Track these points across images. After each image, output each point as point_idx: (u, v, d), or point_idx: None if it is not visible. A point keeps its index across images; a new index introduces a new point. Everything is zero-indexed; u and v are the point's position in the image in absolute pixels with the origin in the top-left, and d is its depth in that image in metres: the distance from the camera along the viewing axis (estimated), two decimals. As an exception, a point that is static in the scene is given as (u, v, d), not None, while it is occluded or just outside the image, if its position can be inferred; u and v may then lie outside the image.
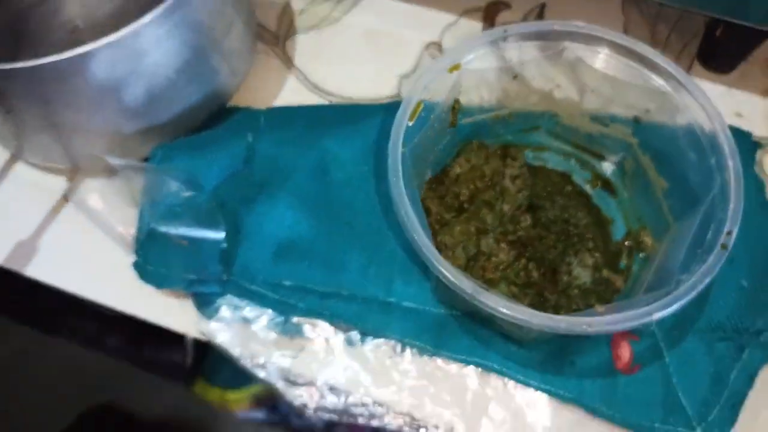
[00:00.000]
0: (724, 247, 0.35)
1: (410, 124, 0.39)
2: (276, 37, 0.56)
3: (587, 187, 0.46)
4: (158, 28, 0.40)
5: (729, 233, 0.35)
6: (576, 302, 0.40)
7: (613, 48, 0.41)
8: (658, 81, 0.40)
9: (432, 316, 0.42)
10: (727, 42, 0.51)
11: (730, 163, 0.37)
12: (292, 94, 0.53)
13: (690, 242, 0.36)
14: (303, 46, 0.56)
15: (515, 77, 0.43)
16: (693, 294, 0.33)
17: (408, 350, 0.42)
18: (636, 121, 0.43)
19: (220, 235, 0.42)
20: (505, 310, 0.34)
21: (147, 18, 0.39)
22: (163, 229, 0.42)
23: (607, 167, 0.46)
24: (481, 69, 0.41)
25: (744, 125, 0.51)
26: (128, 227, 0.46)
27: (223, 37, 0.46)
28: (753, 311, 0.42)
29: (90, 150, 0.46)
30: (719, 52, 0.52)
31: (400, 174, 0.37)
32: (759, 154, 0.49)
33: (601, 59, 0.41)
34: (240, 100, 0.52)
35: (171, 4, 0.40)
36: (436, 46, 0.55)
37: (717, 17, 0.48)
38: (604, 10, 0.57)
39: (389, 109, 0.49)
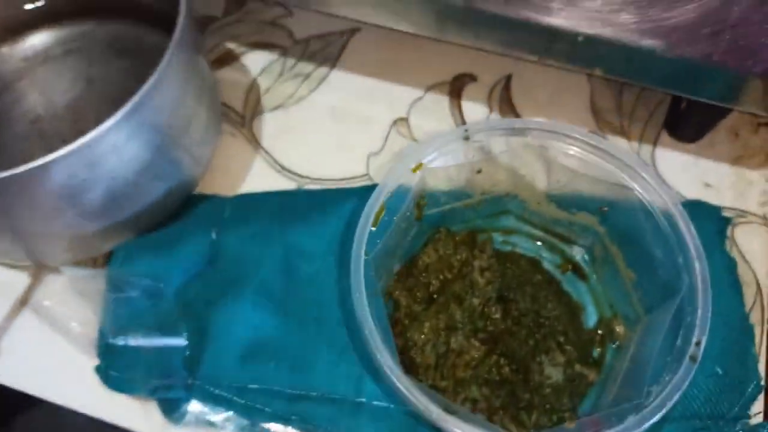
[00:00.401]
0: (692, 359, 0.34)
1: (373, 229, 0.39)
2: (242, 117, 0.56)
3: (557, 272, 0.46)
4: (117, 133, 0.40)
5: (698, 344, 0.35)
6: (549, 401, 0.40)
7: (574, 142, 0.41)
8: (621, 175, 0.40)
9: (404, 415, 0.41)
10: (692, 115, 0.51)
11: (697, 266, 0.37)
12: (259, 176, 0.53)
13: (660, 346, 0.36)
14: (270, 126, 0.55)
15: (479, 172, 0.42)
16: (662, 412, 0.33)
17: (381, 454, 0.41)
18: (601, 212, 0.42)
19: (182, 342, 0.41)
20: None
21: (105, 126, 0.39)
22: (124, 335, 0.41)
23: (577, 252, 0.46)
24: (444, 166, 0.41)
25: (712, 195, 0.51)
26: (89, 329, 0.44)
27: (184, 131, 0.46)
28: (729, 397, 0.41)
29: (51, 251, 0.46)
30: (685, 124, 0.53)
31: (363, 289, 0.37)
32: (729, 230, 0.49)
33: (563, 153, 0.41)
34: (207, 185, 0.51)
35: (129, 110, 0.39)
36: (404, 123, 0.55)
37: (678, 95, 0.48)
38: (570, 80, 0.57)
39: (356, 194, 0.49)
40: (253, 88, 0.57)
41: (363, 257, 0.38)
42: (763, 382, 0.43)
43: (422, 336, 0.41)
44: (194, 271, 0.44)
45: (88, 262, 0.48)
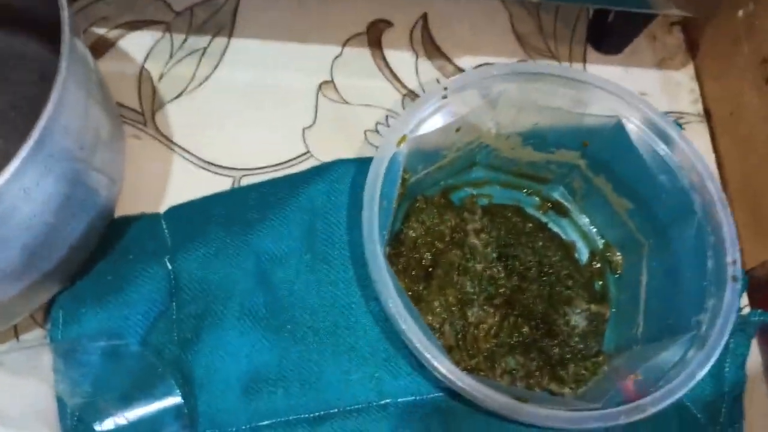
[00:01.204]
0: (734, 279, 0.34)
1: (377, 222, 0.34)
2: (141, 114, 0.47)
3: (538, 214, 0.44)
4: (24, 177, 0.31)
5: (734, 262, 0.34)
6: (578, 348, 0.38)
7: (550, 81, 0.38)
8: (602, 105, 0.38)
9: (434, 402, 0.38)
10: (617, 26, 0.50)
11: (710, 185, 0.36)
12: (183, 179, 0.45)
13: (690, 274, 0.35)
14: (177, 118, 0.47)
15: (458, 130, 0.38)
16: (725, 338, 0.33)
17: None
18: (583, 146, 0.41)
19: (175, 399, 0.34)
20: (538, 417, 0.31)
21: (6, 174, 0.30)
22: (99, 413, 0.34)
23: (553, 189, 0.44)
24: (427, 132, 0.37)
25: (650, 102, 0.52)
26: (47, 417, 0.36)
27: (94, 150, 0.37)
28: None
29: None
30: (610, 37, 0.52)
31: (394, 293, 0.32)
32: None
33: (539, 93, 0.38)
34: (127, 205, 0.43)
35: (33, 147, 0.30)
36: (330, 86, 0.49)
37: (603, 7, 0.47)
38: (487, 9, 0.54)
39: (309, 178, 0.43)
40: (143, 76, 0.48)
41: (381, 255, 0.33)
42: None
43: (436, 317, 0.38)
44: (156, 313, 0.37)
45: (11, 335, 0.39)
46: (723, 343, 0.33)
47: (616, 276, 0.42)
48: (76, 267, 0.39)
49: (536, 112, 0.39)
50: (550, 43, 0.53)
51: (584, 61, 0.53)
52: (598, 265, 0.43)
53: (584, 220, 0.44)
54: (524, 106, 0.38)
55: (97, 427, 0.33)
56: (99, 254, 0.40)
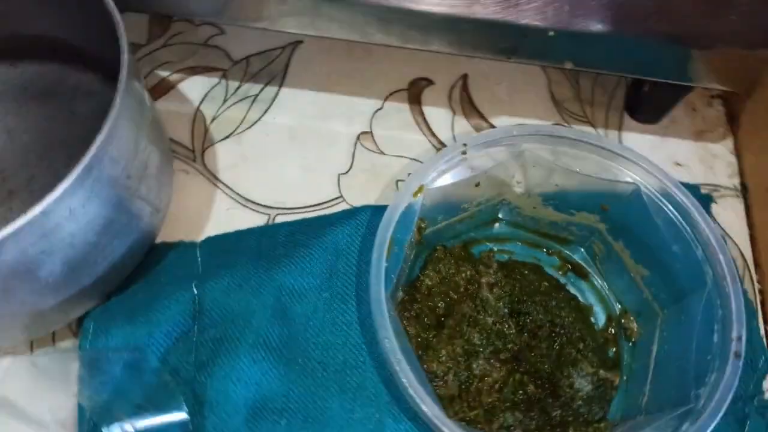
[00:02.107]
0: (737, 355, 0.34)
1: (386, 265, 0.36)
2: (192, 151, 0.51)
3: (558, 275, 0.44)
4: (72, 197, 0.34)
5: (739, 339, 0.34)
6: (581, 412, 0.38)
7: (571, 144, 0.39)
8: (620, 169, 0.39)
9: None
10: (654, 96, 0.51)
11: (722, 258, 0.36)
12: (224, 213, 0.48)
13: (695, 346, 0.35)
14: (224, 157, 0.51)
15: (477, 185, 0.40)
16: (719, 415, 0.32)
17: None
18: (602, 210, 0.41)
19: (183, 415, 0.36)
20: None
21: (59, 190, 0.33)
22: (112, 420, 0.36)
23: (575, 251, 0.45)
24: (444, 185, 0.39)
25: (685, 173, 0.52)
26: (67, 418, 0.39)
27: (141, 179, 0.41)
28: (744, 377, 0.41)
29: (4, 333, 0.40)
30: (647, 106, 0.53)
31: (392, 335, 0.34)
32: (714, 208, 0.49)
33: (558, 153, 0.40)
34: (168, 232, 0.46)
35: (84, 168, 0.34)
36: (368, 136, 0.52)
37: (639, 77, 0.48)
38: (526, 72, 0.56)
39: (337, 220, 0.45)
40: (197, 117, 0.52)
41: (384, 297, 0.35)
42: None
43: (441, 365, 0.39)
44: (177, 333, 0.40)
45: (49, 340, 0.42)
46: (718, 418, 0.32)
47: (631, 344, 0.42)
48: (114, 285, 0.42)
49: (556, 175, 0.40)
50: (586, 108, 0.54)
51: (620, 128, 0.54)
52: (613, 332, 0.42)
53: (603, 284, 0.44)
54: (544, 167, 0.40)
55: (109, 424, 0.35)
56: (137, 275, 0.43)
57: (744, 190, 0.52)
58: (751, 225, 0.50)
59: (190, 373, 0.39)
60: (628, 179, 0.39)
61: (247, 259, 0.42)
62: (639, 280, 0.41)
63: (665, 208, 0.38)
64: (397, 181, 0.50)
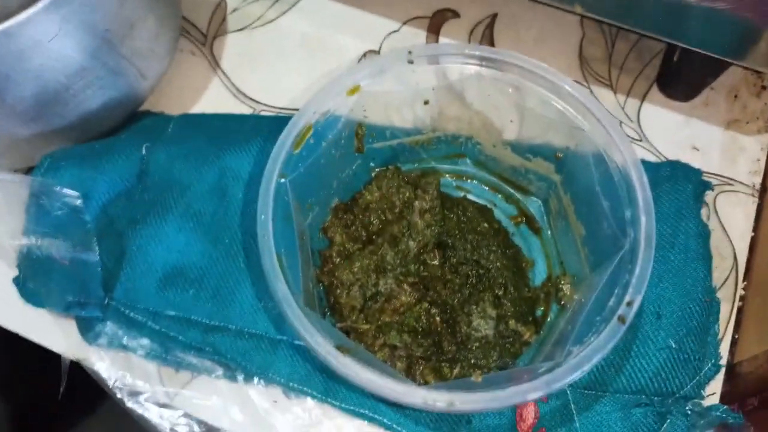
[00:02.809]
0: (621, 320, 0.31)
1: (295, 152, 0.35)
2: (204, 35, 0.52)
3: (510, 224, 0.42)
4: (38, 26, 0.37)
5: (629, 304, 0.31)
6: (475, 355, 0.36)
7: (529, 78, 0.37)
8: (575, 115, 0.36)
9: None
10: (685, 69, 0.46)
11: (643, 220, 0.33)
12: (214, 99, 0.49)
13: (591, 306, 0.32)
14: (232, 48, 0.52)
15: (426, 103, 0.38)
16: (575, 374, 0.30)
17: (294, 396, 0.38)
18: (557, 158, 0.38)
19: (95, 258, 0.39)
20: (359, 378, 0.30)
21: (24, 14, 0.36)
22: (42, 246, 0.39)
23: (532, 203, 0.42)
24: (384, 91, 0.37)
25: (698, 159, 0.47)
26: (13, 239, 0.42)
27: (125, 38, 0.42)
28: (680, 374, 0.38)
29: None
30: (678, 80, 0.48)
31: (270, 212, 0.34)
32: (711, 197, 0.44)
33: (517, 88, 0.37)
34: (156, 102, 0.48)
35: (48, 4, 0.36)
36: (374, 55, 0.51)
37: (676, 44, 0.44)
38: (561, 22, 0.52)
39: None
40: (220, 6, 0.54)
41: (276, 178, 0.35)
42: (723, 362, 0.40)
43: (350, 276, 0.38)
44: (122, 187, 0.42)
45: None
46: (575, 375, 0.30)
47: (559, 306, 0.39)
48: (86, 135, 0.45)
49: (508, 109, 0.37)
50: (613, 72, 0.50)
51: (643, 99, 0.49)
52: (546, 291, 0.40)
53: (552, 242, 0.41)
54: (496, 98, 0.37)
55: (38, 253, 0.38)
56: (113, 134, 0.46)
57: (762, 191, 0.46)
58: (757, 228, 0.45)
59: (121, 226, 0.41)
60: (579, 125, 0.36)
61: (204, 135, 0.43)
62: (578, 239, 0.38)
63: (606, 160, 0.35)
64: (389, 104, 0.49)
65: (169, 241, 0.40)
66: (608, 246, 0.34)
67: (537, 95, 0.36)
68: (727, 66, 0.45)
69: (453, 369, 0.36)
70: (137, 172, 0.42)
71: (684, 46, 0.42)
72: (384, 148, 0.41)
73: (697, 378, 0.38)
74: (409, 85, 0.37)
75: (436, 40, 0.52)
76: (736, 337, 0.42)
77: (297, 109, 0.48)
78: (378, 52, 0.51)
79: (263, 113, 0.49)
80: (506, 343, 0.37)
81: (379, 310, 0.38)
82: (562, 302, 0.39)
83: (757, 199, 0.46)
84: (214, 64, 0.51)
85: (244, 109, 0.49)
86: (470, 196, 0.43)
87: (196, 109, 0.49)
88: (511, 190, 0.42)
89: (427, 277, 0.39)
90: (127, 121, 0.46)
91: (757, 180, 0.46)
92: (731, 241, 0.44)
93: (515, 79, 0.36)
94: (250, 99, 0.50)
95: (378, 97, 0.37)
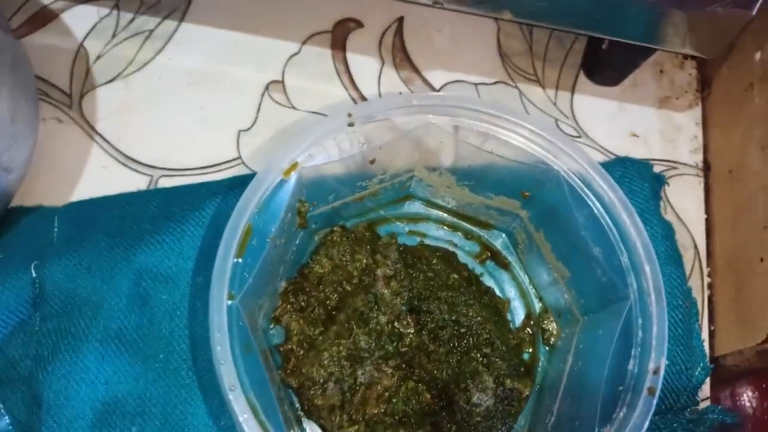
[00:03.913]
0: (651, 392, 0.28)
1: (239, 261, 0.29)
2: (68, 95, 0.43)
3: (475, 263, 0.38)
4: None
5: (656, 372, 0.28)
6: (480, 428, 0.33)
7: (484, 117, 0.32)
8: (544, 153, 0.32)
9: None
10: (614, 57, 0.44)
11: (648, 269, 0.30)
12: (97, 173, 0.41)
13: (608, 372, 0.29)
14: (106, 104, 0.43)
15: (372, 162, 0.33)
16: None
17: None
18: (524, 197, 0.35)
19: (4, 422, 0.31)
20: None
21: None
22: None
23: (496, 237, 0.38)
24: (326, 163, 0.32)
25: (640, 147, 0.45)
26: None
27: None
28: (675, 388, 0.37)
29: None
30: (606, 66, 0.45)
31: (229, 354, 0.28)
32: (669, 189, 0.43)
33: (471, 130, 0.32)
34: (28, 193, 0.40)
35: None
36: (279, 86, 0.45)
37: (597, 35, 0.41)
38: (473, 21, 0.48)
39: (222, 189, 0.39)
40: (79, 54, 0.45)
41: (226, 303, 0.29)
42: (707, 360, 0.39)
43: (321, 371, 0.33)
44: (14, 321, 0.34)
45: None
46: None
47: (548, 348, 0.36)
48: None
49: (464, 152, 0.33)
50: (537, 65, 0.47)
51: (573, 90, 0.46)
52: (531, 332, 0.37)
53: (524, 277, 0.38)
54: (448, 143, 0.33)
55: None
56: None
57: (706, 170, 0.45)
58: (708, 209, 0.44)
59: (26, 370, 0.33)
60: (550, 164, 0.32)
61: (103, 234, 0.36)
62: (560, 279, 0.35)
63: (588, 202, 0.31)
64: (307, 141, 0.43)
65: (92, 374, 0.33)
66: (606, 293, 0.32)
67: (498, 137, 0.32)
68: (652, 52, 0.43)
69: (461, 453, 0.32)
70: (29, 299, 0.34)
71: (608, 37, 0.39)
72: (325, 212, 0.36)
73: (690, 387, 0.37)
74: (353, 149, 0.32)
75: (344, 57, 0.46)
76: (713, 328, 0.41)
77: (201, 168, 0.42)
78: (281, 83, 0.45)
79: (163, 180, 0.41)
80: (507, 405, 0.34)
81: (361, 402, 0.33)
82: (551, 341, 0.36)
83: (702, 179, 0.45)
84: (88, 128, 0.43)
85: (138, 180, 0.41)
86: (427, 240, 0.38)
87: (80, 190, 0.40)
88: (470, 226, 0.39)
89: (407, 352, 0.34)
90: (2, 223, 0.38)
91: (699, 158, 0.45)
92: (688, 230, 0.43)
93: (469, 122, 0.32)
94: (142, 164, 0.42)
95: (319, 168, 0.32)
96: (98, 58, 0.45)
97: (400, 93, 0.45)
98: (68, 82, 0.44)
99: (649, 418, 0.28)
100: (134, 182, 0.41)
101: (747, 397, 0.38)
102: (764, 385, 0.36)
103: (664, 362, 0.29)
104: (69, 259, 0.35)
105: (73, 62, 0.44)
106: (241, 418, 0.27)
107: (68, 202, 0.39)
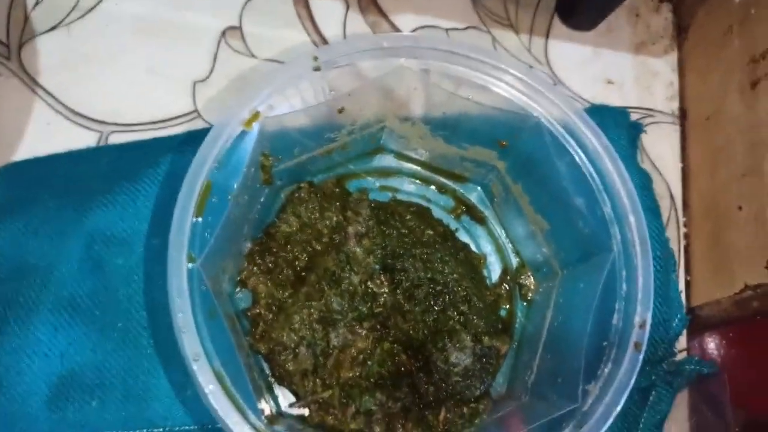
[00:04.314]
0: (637, 347, 0.27)
1: (198, 220, 0.27)
2: (5, 45, 0.40)
3: (450, 218, 0.37)
4: None
5: (643, 325, 0.27)
6: (457, 389, 0.32)
7: (458, 59, 0.30)
8: (524, 100, 0.30)
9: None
10: (589, -2, 0.42)
11: (632, 220, 0.29)
12: (43, 127, 0.38)
13: (591, 326, 0.28)
14: (48, 54, 0.40)
15: (341, 111, 0.31)
16: (608, 422, 0.26)
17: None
18: (500, 146, 0.33)
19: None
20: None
21: None
22: None
23: (471, 190, 0.37)
24: (290, 112, 0.29)
25: (615, 94, 0.44)
26: None
27: None
28: (653, 340, 0.36)
29: None
30: (580, 9, 0.43)
31: (191, 318, 0.26)
32: (645, 137, 0.42)
33: (444, 74, 0.30)
34: (-35, 152, 0.37)
35: None
36: (236, 32, 0.42)
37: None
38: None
39: (176, 145, 0.36)
40: (15, 0, 0.41)
41: (186, 266, 0.26)
42: (684, 311, 0.38)
43: (292, 335, 0.31)
44: (-44, 291, 0.31)
45: None
46: (607, 425, 0.26)
47: (526, 303, 0.35)
48: None
49: (438, 98, 0.31)
50: (510, 8, 0.45)
51: (547, 36, 0.44)
52: (507, 288, 0.36)
53: (501, 231, 0.37)
54: (421, 89, 0.31)
55: None
56: None
57: (682, 117, 0.44)
58: (684, 158, 0.43)
59: (-26, 343, 0.31)
60: (529, 111, 0.30)
61: (50, 196, 0.33)
62: (538, 232, 0.33)
63: (570, 150, 0.30)
64: (269, 92, 0.40)
65: (45, 346, 0.31)
66: (587, 245, 0.30)
67: (474, 82, 0.30)
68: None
69: (438, 415, 0.31)
70: (-27, 266, 0.31)
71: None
72: (290, 167, 0.33)
73: (668, 338, 0.37)
74: (318, 96, 0.29)
75: (306, 1, 0.43)
76: (689, 279, 0.41)
77: (155, 123, 0.39)
78: (239, 29, 0.42)
79: (114, 136, 0.38)
80: (485, 364, 0.33)
81: (335, 366, 0.32)
82: (529, 297, 0.35)
83: (678, 127, 0.44)
84: (30, 81, 0.39)
85: (86, 137, 0.38)
86: (400, 196, 0.37)
87: (24, 149, 0.37)
88: (444, 180, 0.37)
89: (382, 312, 0.33)
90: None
91: (675, 105, 0.44)
92: (664, 178, 0.42)
93: (443, 66, 0.30)
94: (91, 119, 0.39)
95: (283, 119, 0.29)
96: (37, 3, 0.41)
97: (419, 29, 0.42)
98: (5, 31, 0.40)
99: (636, 373, 0.27)
100: (82, 139, 0.38)
101: (715, 346, 0.37)
102: (743, 335, 0.35)
103: (650, 316, 0.28)
104: (13, 223, 0.32)
105: (9, 9, 0.40)
106: (207, 390, 0.26)
107: (10, 161, 0.36)
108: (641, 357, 0.28)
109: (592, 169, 0.30)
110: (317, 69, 0.29)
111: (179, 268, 0.26)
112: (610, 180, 0.29)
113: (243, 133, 0.28)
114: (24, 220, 0.32)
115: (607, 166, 0.29)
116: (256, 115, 0.28)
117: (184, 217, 0.27)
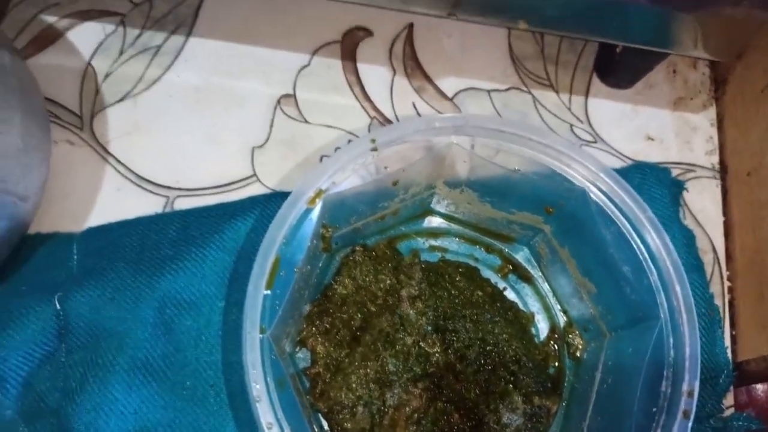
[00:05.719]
0: (686, 415, 0.28)
1: (268, 293, 0.29)
2: (78, 116, 0.43)
3: (497, 277, 0.38)
4: None
5: (691, 394, 0.28)
6: (510, 449, 0.33)
7: (506, 138, 0.32)
8: (569, 172, 0.32)
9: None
10: (627, 60, 0.43)
11: (678, 289, 0.30)
12: (113, 193, 0.41)
13: (640, 393, 0.29)
14: (117, 124, 0.43)
15: (395, 184, 0.33)
16: None
17: None
18: (548, 212, 0.35)
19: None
20: None
21: None
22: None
23: (517, 250, 0.38)
24: (348, 189, 0.31)
25: (656, 150, 0.45)
26: None
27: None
28: (701, 397, 0.36)
29: None
30: (619, 69, 0.45)
31: (264, 388, 0.28)
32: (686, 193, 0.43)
33: (492, 151, 0.32)
34: (46, 219, 0.39)
35: None
36: (290, 100, 0.44)
37: (610, 42, 0.40)
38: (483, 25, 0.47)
39: (242, 210, 0.39)
40: (87, 74, 0.44)
41: (258, 338, 0.28)
42: (731, 367, 0.39)
43: (350, 394, 0.33)
44: (41, 354, 0.34)
45: None
46: None
47: (575, 362, 0.36)
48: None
49: (486, 170, 0.33)
50: (550, 68, 0.47)
51: (587, 94, 0.46)
52: (556, 346, 0.37)
53: (548, 290, 0.38)
54: (469, 161, 0.32)
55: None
56: (9, 270, 0.37)
57: (723, 171, 0.45)
58: (726, 212, 0.44)
59: (54, 402, 0.33)
60: (575, 182, 0.32)
61: (124, 263, 0.35)
62: (585, 294, 0.35)
63: (616, 221, 0.31)
64: (323, 156, 0.43)
65: (120, 404, 0.33)
66: (635, 311, 0.32)
67: (522, 156, 0.32)
68: (665, 56, 0.42)
69: (492, 473, 0.32)
70: (55, 331, 0.34)
71: (631, 45, 0.39)
72: (346, 233, 0.35)
73: (715, 394, 0.37)
74: (377, 173, 0.31)
75: (355, 68, 0.45)
76: (734, 333, 0.41)
77: (216, 187, 0.42)
78: (293, 96, 0.44)
79: (179, 201, 0.41)
80: (536, 423, 0.34)
81: (391, 425, 0.33)
82: (577, 355, 0.36)
83: (719, 181, 0.45)
84: (101, 150, 0.42)
85: (154, 202, 0.41)
86: (448, 255, 0.38)
87: (96, 214, 0.40)
88: (491, 240, 0.38)
89: (435, 373, 0.34)
90: (14, 256, 0.37)
91: (715, 159, 0.45)
92: (706, 233, 0.43)
93: (492, 143, 0.32)
94: (157, 185, 0.41)
95: (342, 192, 0.31)
96: (107, 76, 0.44)
97: (418, 114, 0.44)
98: (78, 103, 0.43)
99: (686, 441, 0.28)
100: (150, 204, 0.41)
101: (763, 401, 0.38)
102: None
103: (697, 385, 0.29)
104: (92, 290, 0.34)
105: (81, 82, 0.44)
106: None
107: (85, 226, 0.39)
108: (690, 425, 0.28)
109: (638, 239, 0.31)
110: (374, 150, 0.31)
111: (253, 340, 0.28)
112: (656, 251, 0.31)
113: (307, 210, 0.31)
114: (101, 287, 0.35)
115: (652, 237, 0.31)
116: (319, 193, 0.31)
117: (257, 294, 0.29)
